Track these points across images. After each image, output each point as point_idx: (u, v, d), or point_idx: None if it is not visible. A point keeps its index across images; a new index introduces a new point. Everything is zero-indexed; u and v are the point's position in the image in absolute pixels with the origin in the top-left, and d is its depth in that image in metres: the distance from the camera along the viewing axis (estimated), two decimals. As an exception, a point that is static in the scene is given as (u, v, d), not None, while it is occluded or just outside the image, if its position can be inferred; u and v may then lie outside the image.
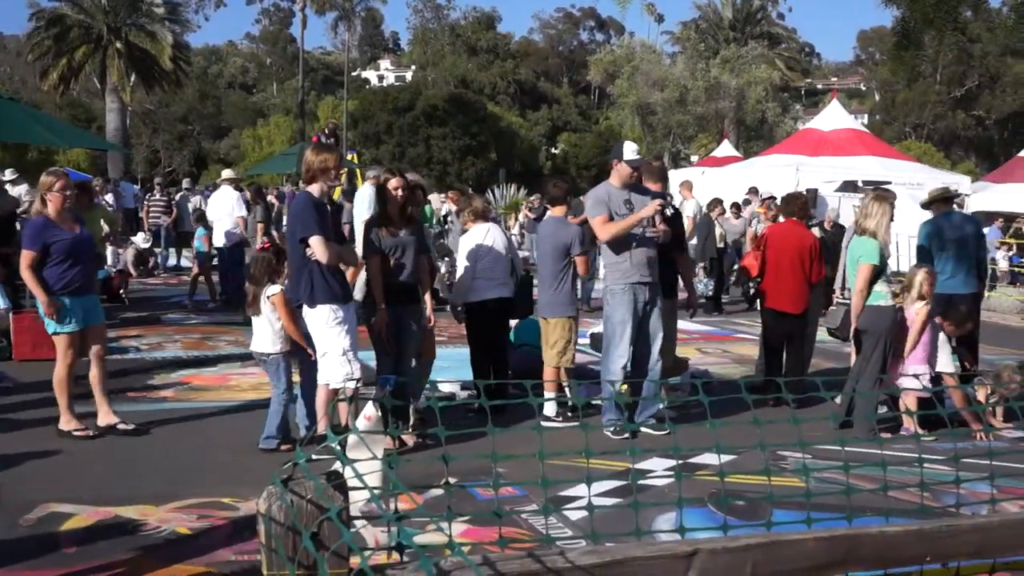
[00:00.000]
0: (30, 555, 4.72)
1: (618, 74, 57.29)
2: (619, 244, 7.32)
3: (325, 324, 6.26)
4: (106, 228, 11.63)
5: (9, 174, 13.29)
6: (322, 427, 6.31)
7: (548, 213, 8.75)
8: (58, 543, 4.92)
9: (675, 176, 19.77)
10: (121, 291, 13.98)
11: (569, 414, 7.73)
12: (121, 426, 6.92)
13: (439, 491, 5.59)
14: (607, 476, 5.97)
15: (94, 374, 6.98)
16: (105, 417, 6.97)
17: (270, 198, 22.38)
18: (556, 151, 66.07)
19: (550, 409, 7.66)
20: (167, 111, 60.58)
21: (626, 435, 7.23)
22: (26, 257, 6.70)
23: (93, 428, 6.94)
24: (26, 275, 6.74)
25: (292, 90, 67.15)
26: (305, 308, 6.31)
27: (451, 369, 8.57)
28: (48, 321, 6.77)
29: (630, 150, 7.46)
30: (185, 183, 21.24)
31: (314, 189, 6.38)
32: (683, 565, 2.41)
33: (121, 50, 38.73)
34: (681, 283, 8.32)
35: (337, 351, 6.24)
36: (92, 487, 5.77)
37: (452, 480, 5.50)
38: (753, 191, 19.06)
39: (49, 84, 40.11)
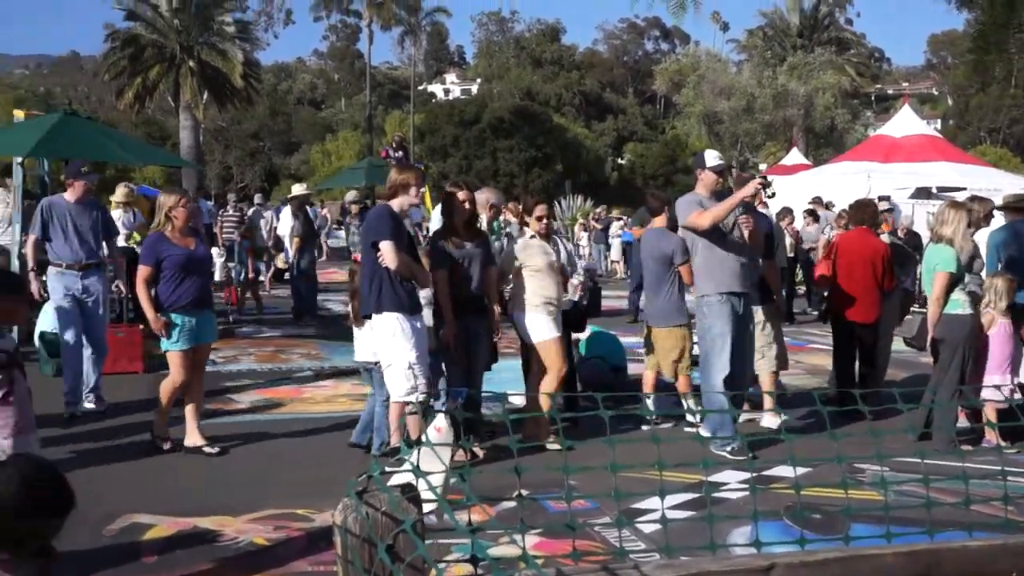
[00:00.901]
0: (112, 564, 4.83)
1: (684, 83, 57.04)
2: (713, 253, 7.14)
3: (391, 334, 6.29)
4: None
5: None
6: (395, 440, 6.35)
7: (649, 224, 8.70)
8: (139, 553, 5.03)
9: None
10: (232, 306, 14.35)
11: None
12: (207, 449, 6.90)
13: (511, 503, 5.60)
14: (680, 489, 5.92)
15: (191, 393, 7.00)
16: (192, 437, 6.96)
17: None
18: (622, 161, 65.93)
19: (690, 415, 7.75)
20: (239, 128, 61.66)
21: (750, 455, 6.78)
22: (140, 272, 6.81)
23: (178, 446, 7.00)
24: (139, 291, 6.82)
25: (360, 105, 68.01)
26: (373, 316, 6.37)
27: (519, 381, 8.56)
28: (162, 338, 6.82)
29: (712, 157, 7.37)
30: (257, 198, 21.58)
31: (394, 203, 6.50)
32: (760, 579, 2.39)
33: (194, 68, 39.52)
34: None
35: (403, 364, 6.25)
36: (171, 498, 5.89)
37: (524, 492, 5.50)
38: (817, 200, 18.78)
39: (125, 103, 41.05)
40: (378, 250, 6.28)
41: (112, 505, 5.66)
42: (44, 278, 8.37)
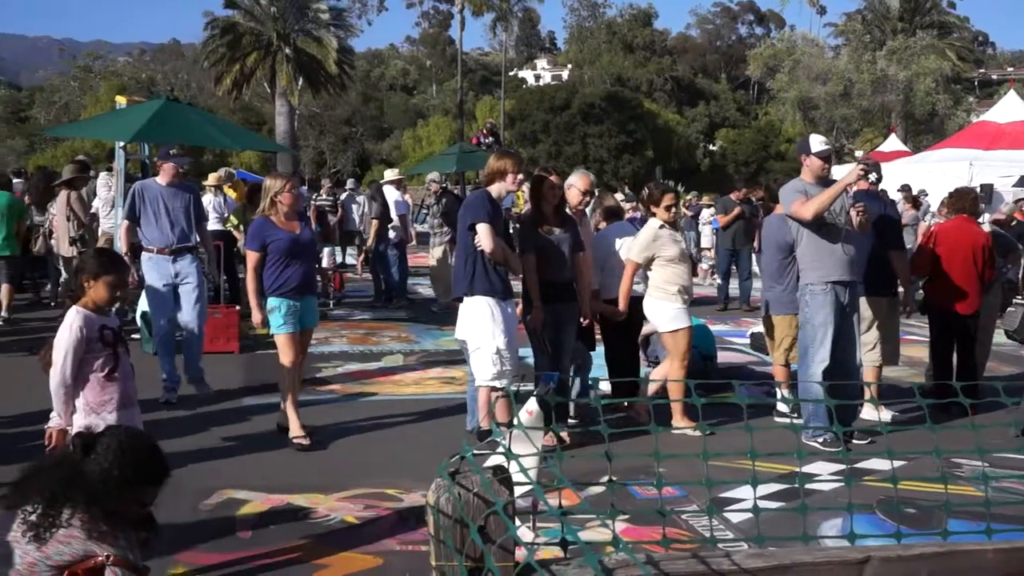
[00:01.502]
0: (210, 538, 4.96)
1: (778, 68, 56.08)
2: (820, 241, 6.92)
3: (480, 318, 6.32)
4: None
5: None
6: (484, 424, 6.39)
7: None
8: (234, 527, 5.16)
9: (838, 172, 19.12)
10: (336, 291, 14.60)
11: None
12: (297, 440, 6.73)
13: (598, 489, 5.61)
14: (770, 479, 5.85)
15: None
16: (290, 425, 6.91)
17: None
18: (714, 148, 65.19)
19: (783, 405, 7.68)
20: (332, 113, 62.48)
21: (840, 447, 6.74)
22: (249, 259, 6.82)
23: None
24: (248, 278, 6.83)
25: (451, 91, 68.36)
26: (464, 298, 6.41)
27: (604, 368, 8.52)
28: (270, 319, 6.74)
29: (817, 142, 7.14)
30: (349, 183, 21.88)
31: (492, 189, 6.53)
32: (854, 572, 2.35)
33: (289, 55, 40.25)
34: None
35: (490, 348, 6.28)
36: (265, 475, 6.03)
37: (611, 479, 5.50)
38: (905, 189, 18.32)
39: (223, 89, 42.06)
40: (475, 232, 6.32)
41: (209, 480, 5.84)
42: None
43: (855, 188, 7.36)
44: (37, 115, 59.52)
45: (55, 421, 4.39)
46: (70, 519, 3.23)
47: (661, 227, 7.46)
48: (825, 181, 7.05)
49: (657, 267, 7.40)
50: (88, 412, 4.37)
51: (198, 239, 8.34)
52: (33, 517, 3.23)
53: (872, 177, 7.13)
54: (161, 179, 8.20)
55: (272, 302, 6.72)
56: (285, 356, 6.79)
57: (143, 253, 8.14)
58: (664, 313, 7.37)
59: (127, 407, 4.48)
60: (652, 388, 7.33)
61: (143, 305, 9.51)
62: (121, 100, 13.33)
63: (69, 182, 11.88)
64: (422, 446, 6.76)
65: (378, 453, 6.66)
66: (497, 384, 6.22)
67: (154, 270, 8.03)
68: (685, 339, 7.35)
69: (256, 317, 6.80)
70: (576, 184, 7.52)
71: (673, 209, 7.58)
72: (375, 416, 7.65)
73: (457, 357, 10.00)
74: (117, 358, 4.48)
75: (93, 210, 12.35)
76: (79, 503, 3.25)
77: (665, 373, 7.47)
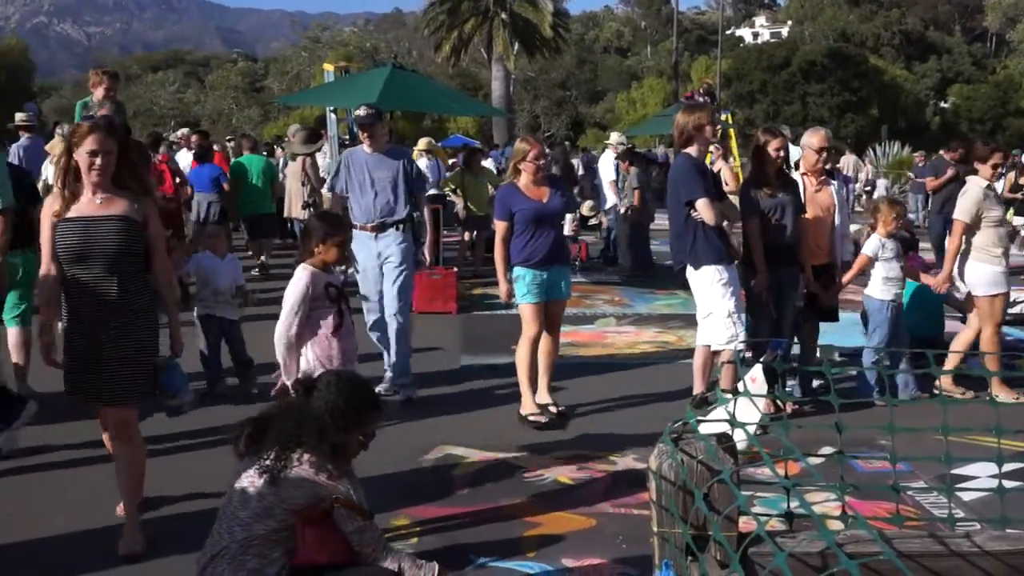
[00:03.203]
0: (429, 492, 5.13)
1: (1020, 18, 52.18)
2: None
3: (709, 285, 6.23)
4: (492, 190, 12.31)
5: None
6: (699, 387, 6.31)
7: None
8: (452, 483, 5.31)
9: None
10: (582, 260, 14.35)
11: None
12: (552, 408, 6.55)
13: (816, 460, 5.44)
14: (1007, 457, 5.48)
15: (543, 349, 6.62)
16: (542, 395, 6.64)
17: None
18: (946, 105, 61.48)
19: None
20: (547, 77, 62.83)
21: None
22: (497, 229, 6.54)
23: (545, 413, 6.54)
24: (496, 249, 6.55)
25: (666, 52, 67.40)
26: (689, 269, 6.30)
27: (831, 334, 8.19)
28: (515, 289, 6.46)
29: None
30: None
31: (692, 150, 6.35)
32: (1113, 563, 2.17)
33: (506, 21, 40.65)
34: None
35: (722, 312, 6.17)
36: (481, 433, 6.17)
37: (833, 450, 5.32)
38: None
39: (442, 56, 43.03)
40: (694, 209, 6.19)
41: (428, 437, 6.04)
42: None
43: None
44: (271, 85, 62.90)
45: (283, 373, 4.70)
46: (300, 459, 3.45)
47: (988, 187, 7.12)
48: None
49: (982, 228, 7.07)
50: (316, 366, 4.62)
51: (407, 212, 7.15)
52: (268, 461, 3.46)
53: None
54: (366, 146, 7.12)
55: (516, 271, 6.45)
56: (528, 328, 6.48)
57: (352, 228, 6.98)
58: (985, 276, 7.04)
59: (352, 363, 4.71)
60: (952, 360, 6.97)
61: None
62: (329, 67, 13.72)
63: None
64: (635, 410, 6.75)
65: (591, 416, 6.68)
66: (732, 347, 6.09)
67: (358, 247, 6.94)
68: (1001, 305, 7.04)
69: (502, 289, 6.52)
70: (809, 143, 7.10)
71: (999, 169, 7.19)
72: (587, 379, 7.67)
73: (671, 322, 9.92)
74: (342, 315, 4.72)
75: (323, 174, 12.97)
76: (310, 442, 3.48)
77: (966, 342, 7.18)
